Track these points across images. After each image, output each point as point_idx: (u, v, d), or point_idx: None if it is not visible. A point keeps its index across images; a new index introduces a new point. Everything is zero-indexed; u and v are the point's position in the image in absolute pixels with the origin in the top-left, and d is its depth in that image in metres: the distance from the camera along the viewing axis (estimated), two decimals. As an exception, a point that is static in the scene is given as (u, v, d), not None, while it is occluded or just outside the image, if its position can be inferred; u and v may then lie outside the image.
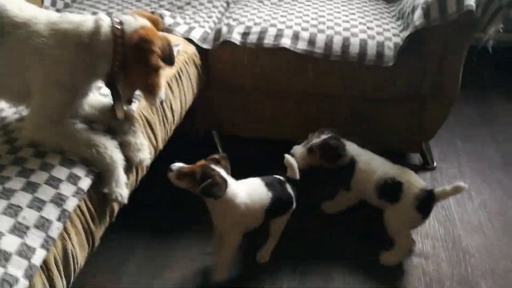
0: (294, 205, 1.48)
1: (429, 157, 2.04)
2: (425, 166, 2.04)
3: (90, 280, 1.43)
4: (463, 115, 2.36)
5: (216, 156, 1.36)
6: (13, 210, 0.91)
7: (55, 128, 1.04)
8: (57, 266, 0.94)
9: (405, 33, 1.75)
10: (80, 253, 1.02)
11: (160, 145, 1.41)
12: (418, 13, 1.68)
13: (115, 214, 1.18)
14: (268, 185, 1.43)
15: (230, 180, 1.34)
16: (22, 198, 0.94)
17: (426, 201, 1.50)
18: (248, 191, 1.39)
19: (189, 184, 1.30)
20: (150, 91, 1.14)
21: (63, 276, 0.96)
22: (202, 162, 1.32)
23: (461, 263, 1.56)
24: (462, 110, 2.34)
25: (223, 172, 1.32)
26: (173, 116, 1.50)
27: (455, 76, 1.80)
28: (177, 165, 1.29)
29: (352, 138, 1.68)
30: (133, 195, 1.24)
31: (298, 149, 1.61)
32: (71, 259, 0.99)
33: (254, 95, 1.91)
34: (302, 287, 1.47)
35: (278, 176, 1.48)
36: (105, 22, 1.08)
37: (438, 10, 1.62)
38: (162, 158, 1.41)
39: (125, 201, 1.12)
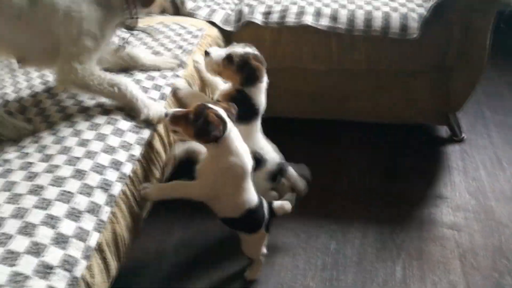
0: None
1: (457, 129, 2.02)
2: (453, 138, 2.02)
3: (130, 263, 1.49)
4: (490, 84, 2.32)
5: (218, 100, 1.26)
6: (66, 197, 0.96)
7: (84, 71, 1.16)
8: (109, 248, 0.99)
9: (430, 3, 1.72)
10: (127, 235, 1.07)
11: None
12: (444, -18, 1.65)
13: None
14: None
15: (231, 124, 1.17)
16: (73, 185, 0.98)
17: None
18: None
19: (184, 129, 1.15)
20: None
21: (114, 257, 1.01)
22: (198, 103, 1.18)
23: (494, 234, 1.57)
24: (489, 79, 2.30)
25: (221, 112, 1.15)
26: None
27: (482, 44, 1.76)
28: (171, 110, 1.19)
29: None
30: (170, 177, 1.29)
31: (216, 51, 1.39)
32: (120, 241, 1.04)
33: (277, 74, 1.90)
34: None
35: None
36: None
37: (464, -23, 1.59)
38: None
39: (164, 113, 1.18)
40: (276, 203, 1.37)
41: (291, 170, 1.50)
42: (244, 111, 1.32)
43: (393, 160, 1.92)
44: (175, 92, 1.37)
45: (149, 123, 1.23)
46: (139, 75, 1.36)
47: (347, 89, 1.90)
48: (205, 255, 1.54)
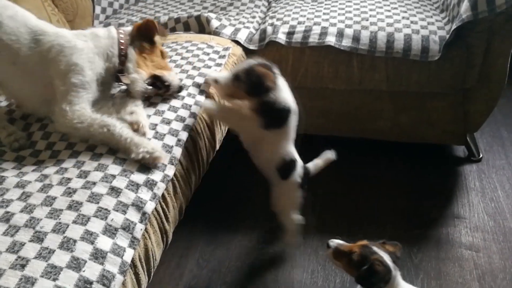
0: None
1: (474, 149, 2.04)
2: (470, 158, 2.04)
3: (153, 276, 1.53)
4: (507, 104, 2.33)
5: (384, 241, 1.18)
6: (103, 213, 1.00)
7: (73, 113, 1.19)
8: (141, 263, 1.04)
9: (451, 26, 1.75)
10: (157, 251, 1.11)
11: (217, 145, 1.49)
12: (465, 5, 1.68)
13: (183, 211, 1.27)
14: None
15: (396, 272, 1.12)
16: (109, 202, 1.03)
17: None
18: None
19: (345, 266, 1.14)
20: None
21: (145, 272, 1.05)
22: (364, 242, 1.15)
23: (512, 256, 1.58)
24: (506, 99, 2.31)
25: (386, 258, 1.10)
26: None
27: (502, 67, 1.78)
28: (336, 241, 1.17)
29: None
30: (195, 191, 1.33)
31: (221, 76, 1.39)
32: (151, 256, 1.08)
33: (298, 92, 1.95)
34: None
35: None
36: (112, 28, 1.33)
37: (486, 2, 1.61)
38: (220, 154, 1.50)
39: (159, 152, 1.16)
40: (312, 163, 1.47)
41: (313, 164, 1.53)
42: (276, 116, 1.33)
43: (411, 179, 1.94)
44: (206, 113, 1.40)
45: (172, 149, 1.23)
46: (162, 106, 1.36)
47: (367, 109, 1.93)
48: (226, 270, 1.58)
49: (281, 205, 1.51)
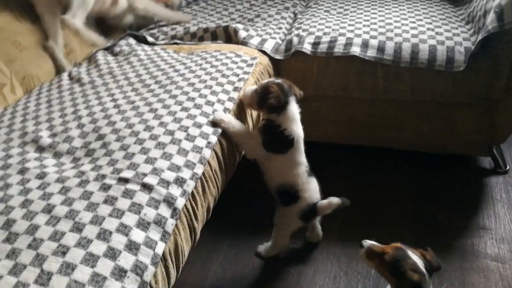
0: None
1: (501, 161, 2.02)
2: (496, 170, 2.02)
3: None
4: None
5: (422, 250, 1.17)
6: (136, 208, 1.06)
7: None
8: (171, 257, 1.08)
9: (477, 37, 1.76)
10: (186, 247, 1.16)
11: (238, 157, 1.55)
12: (491, 16, 1.69)
13: (211, 211, 1.31)
14: None
15: (429, 281, 1.10)
16: (142, 198, 1.09)
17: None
18: None
19: (377, 266, 1.16)
20: None
21: (175, 266, 1.10)
22: (397, 244, 1.15)
23: (540, 268, 1.55)
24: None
25: (419, 263, 1.10)
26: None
27: (530, 78, 1.78)
28: (369, 242, 1.18)
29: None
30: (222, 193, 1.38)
31: (249, 87, 1.52)
32: (180, 252, 1.12)
33: (322, 101, 2.00)
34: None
35: None
36: None
37: (512, 13, 1.62)
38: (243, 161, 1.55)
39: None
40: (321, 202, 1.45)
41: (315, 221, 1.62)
42: (277, 141, 1.41)
43: (435, 189, 1.93)
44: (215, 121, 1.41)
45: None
46: (195, 111, 1.41)
47: (392, 118, 1.95)
48: (249, 272, 1.61)
49: (277, 222, 1.56)
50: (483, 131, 1.91)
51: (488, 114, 1.87)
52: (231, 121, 1.41)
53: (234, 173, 1.51)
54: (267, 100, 1.39)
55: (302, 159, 1.47)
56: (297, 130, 1.44)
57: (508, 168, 2.01)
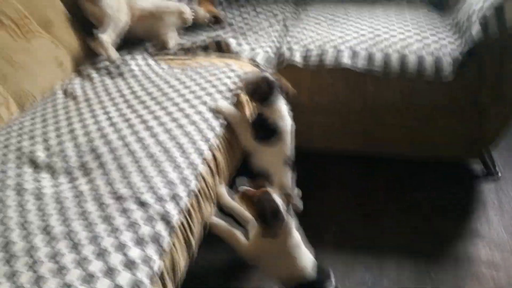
0: None
1: (492, 166, 2.06)
2: (488, 175, 2.05)
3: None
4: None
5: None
6: (132, 226, 1.08)
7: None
8: (168, 274, 1.10)
9: (463, 47, 1.80)
10: (183, 263, 1.18)
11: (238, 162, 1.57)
12: (476, 27, 1.73)
13: (207, 227, 1.33)
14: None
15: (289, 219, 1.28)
16: (138, 216, 1.11)
17: None
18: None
19: (249, 207, 1.30)
20: None
21: (173, 283, 1.12)
22: (266, 189, 1.29)
23: (533, 275, 1.58)
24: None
25: (279, 201, 1.25)
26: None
27: (516, 85, 1.82)
28: (243, 187, 1.31)
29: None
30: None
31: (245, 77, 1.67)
32: (178, 268, 1.14)
33: (313, 111, 2.03)
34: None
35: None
36: None
37: (497, 24, 1.67)
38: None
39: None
40: None
41: None
42: (264, 132, 1.52)
43: (427, 195, 1.96)
44: (217, 110, 1.53)
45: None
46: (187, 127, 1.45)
47: (381, 126, 1.98)
48: (246, 283, 1.62)
49: None
50: (473, 137, 1.95)
51: (477, 120, 1.91)
52: (231, 111, 1.53)
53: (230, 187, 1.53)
54: (251, 90, 1.53)
55: (288, 153, 1.58)
56: (283, 123, 1.55)
57: (499, 173, 2.05)
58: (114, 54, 1.87)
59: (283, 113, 1.55)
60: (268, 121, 1.53)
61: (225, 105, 1.55)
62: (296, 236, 1.32)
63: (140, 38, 2.08)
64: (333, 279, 1.36)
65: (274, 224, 1.24)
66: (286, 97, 1.58)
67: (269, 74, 1.58)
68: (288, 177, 1.59)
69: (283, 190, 1.48)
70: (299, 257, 1.32)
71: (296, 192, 1.55)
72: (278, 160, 1.56)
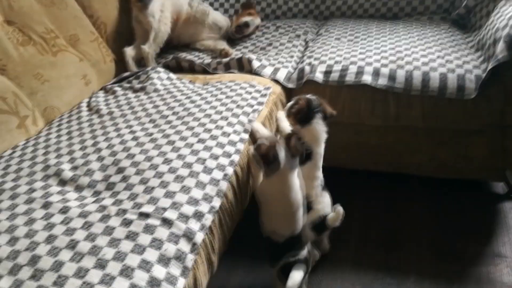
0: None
1: (515, 187, 2.02)
2: (510, 195, 2.01)
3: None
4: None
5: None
6: (157, 244, 1.09)
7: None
8: (190, 292, 1.11)
9: (487, 65, 1.78)
10: (204, 281, 1.18)
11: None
12: (501, 46, 1.72)
13: (227, 243, 1.33)
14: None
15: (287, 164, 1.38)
16: (162, 233, 1.12)
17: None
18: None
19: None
20: None
21: (194, 300, 1.12)
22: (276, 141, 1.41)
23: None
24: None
25: (280, 149, 1.38)
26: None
27: (541, 104, 1.79)
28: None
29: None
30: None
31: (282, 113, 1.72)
32: (199, 285, 1.14)
33: (334, 128, 2.02)
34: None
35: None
36: None
37: (522, 42, 1.65)
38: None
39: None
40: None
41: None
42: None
43: (449, 215, 1.93)
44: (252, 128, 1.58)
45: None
46: (211, 142, 1.47)
47: (403, 144, 1.96)
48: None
49: None
50: (496, 157, 1.91)
51: (500, 140, 1.88)
52: (264, 132, 1.57)
53: (249, 202, 1.54)
54: (291, 110, 1.56)
55: (319, 174, 1.58)
56: (317, 146, 1.57)
57: (522, 194, 2.01)
58: (150, 65, 2.08)
59: (318, 135, 1.57)
60: (301, 142, 1.53)
61: (261, 128, 1.59)
62: (296, 188, 1.42)
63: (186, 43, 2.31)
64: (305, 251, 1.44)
65: (271, 167, 1.37)
66: (326, 120, 1.60)
67: (313, 97, 1.61)
68: (319, 194, 1.57)
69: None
70: (294, 207, 1.42)
71: (338, 209, 1.51)
72: (307, 177, 1.55)
